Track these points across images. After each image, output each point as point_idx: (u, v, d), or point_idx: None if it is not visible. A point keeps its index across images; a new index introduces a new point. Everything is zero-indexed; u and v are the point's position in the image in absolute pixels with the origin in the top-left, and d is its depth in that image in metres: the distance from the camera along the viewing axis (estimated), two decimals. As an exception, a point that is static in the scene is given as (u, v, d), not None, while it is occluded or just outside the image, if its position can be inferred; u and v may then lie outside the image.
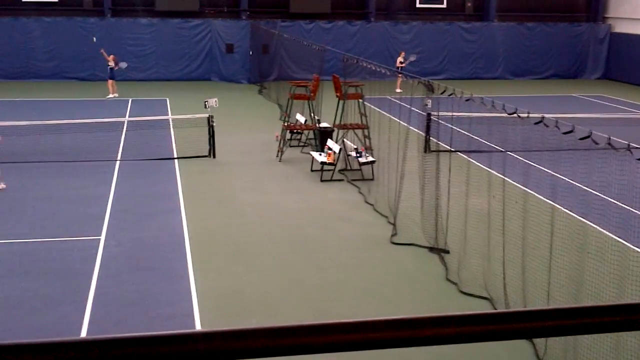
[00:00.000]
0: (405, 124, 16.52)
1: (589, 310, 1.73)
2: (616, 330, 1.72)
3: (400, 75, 28.73)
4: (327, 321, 1.60)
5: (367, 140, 19.60)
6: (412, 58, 33.50)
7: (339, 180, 18.65)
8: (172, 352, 1.55)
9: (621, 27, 40.21)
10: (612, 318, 1.72)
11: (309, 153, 20.50)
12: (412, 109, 17.69)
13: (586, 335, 9.39)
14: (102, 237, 14.09)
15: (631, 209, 15.27)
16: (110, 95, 30.68)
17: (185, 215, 15.60)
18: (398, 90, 32.03)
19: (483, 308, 11.20)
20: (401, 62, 33.37)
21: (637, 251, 13.03)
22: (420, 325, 1.62)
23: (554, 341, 9.77)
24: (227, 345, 1.57)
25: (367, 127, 19.59)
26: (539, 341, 9.96)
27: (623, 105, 31.36)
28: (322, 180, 18.51)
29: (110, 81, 30.88)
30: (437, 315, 1.62)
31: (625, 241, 13.56)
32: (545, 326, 1.69)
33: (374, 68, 18.20)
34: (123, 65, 30.98)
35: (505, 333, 1.66)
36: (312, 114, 21.47)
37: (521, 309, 1.64)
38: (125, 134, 22.91)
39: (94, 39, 31.36)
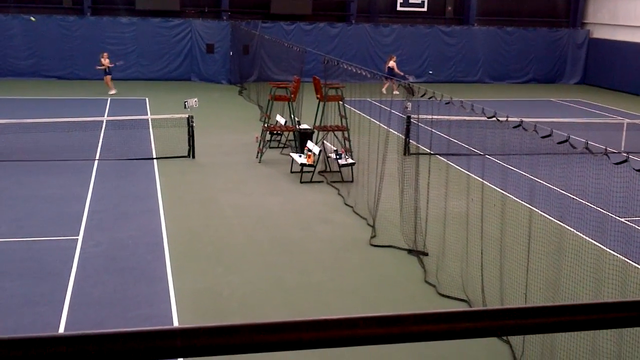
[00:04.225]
0: (385, 127, 16.56)
1: (565, 308, 1.75)
2: (592, 328, 1.74)
3: (387, 80, 28.49)
4: (306, 318, 1.60)
5: (346, 142, 19.62)
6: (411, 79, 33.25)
7: (319, 181, 18.66)
8: (150, 348, 1.54)
9: (599, 33, 40.61)
10: (587, 317, 1.74)
11: (288, 154, 20.49)
12: (392, 111, 17.75)
13: (563, 338, 9.46)
14: (80, 237, 13.98)
15: (608, 212, 15.42)
16: (113, 92, 31.01)
17: (164, 215, 15.52)
18: (384, 91, 31.72)
19: (461, 310, 11.22)
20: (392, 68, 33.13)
21: (613, 254, 13.16)
22: (401, 322, 1.62)
23: (531, 344, 9.84)
24: (205, 341, 1.56)
25: (347, 129, 19.61)
26: (517, 343, 10.02)
27: (600, 110, 31.66)
28: (301, 182, 18.50)
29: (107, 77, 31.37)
30: (417, 312, 1.63)
31: (602, 244, 13.69)
32: (522, 324, 1.70)
33: (354, 70, 18.22)
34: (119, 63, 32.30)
35: (483, 330, 1.67)
36: (292, 116, 21.46)
37: (499, 306, 1.65)
38: (104, 134, 22.76)
39: (32, 19, 31.19)
